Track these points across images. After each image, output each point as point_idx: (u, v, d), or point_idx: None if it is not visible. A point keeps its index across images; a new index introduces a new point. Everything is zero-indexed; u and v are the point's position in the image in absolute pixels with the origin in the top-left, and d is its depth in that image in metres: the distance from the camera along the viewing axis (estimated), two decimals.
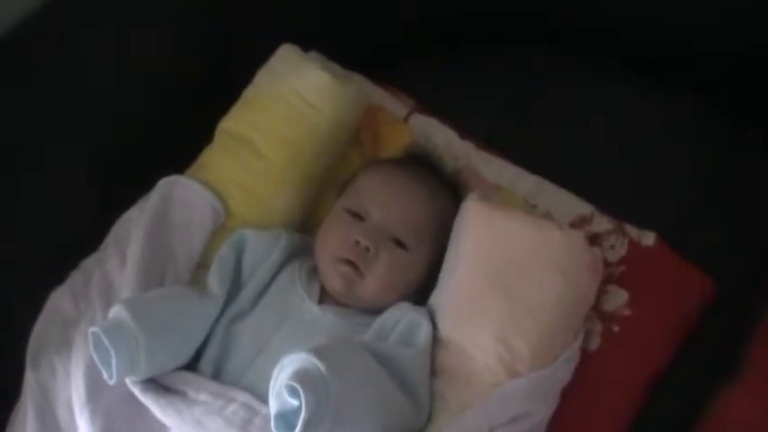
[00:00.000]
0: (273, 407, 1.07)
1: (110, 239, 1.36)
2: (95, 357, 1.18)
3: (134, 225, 1.34)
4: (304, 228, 1.42)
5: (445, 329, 1.26)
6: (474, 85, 1.61)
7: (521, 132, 1.54)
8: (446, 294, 1.28)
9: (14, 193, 1.38)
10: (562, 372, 1.24)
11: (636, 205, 1.43)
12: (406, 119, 1.50)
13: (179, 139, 1.42)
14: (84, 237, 1.38)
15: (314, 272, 1.34)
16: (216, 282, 1.29)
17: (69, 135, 1.41)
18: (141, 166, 1.39)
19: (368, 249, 1.27)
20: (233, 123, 1.40)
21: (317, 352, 1.06)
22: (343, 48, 1.51)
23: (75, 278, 1.34)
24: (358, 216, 1.31)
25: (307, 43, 1.46)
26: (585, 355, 1.27)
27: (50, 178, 1.40)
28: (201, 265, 1.34)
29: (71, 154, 1.41)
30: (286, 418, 1.06)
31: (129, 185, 1.39)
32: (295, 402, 1.04)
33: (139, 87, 1.46)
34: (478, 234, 1.27)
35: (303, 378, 1.03)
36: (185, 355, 1.25)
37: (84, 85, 1.42)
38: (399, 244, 1.29)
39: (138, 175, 1.39)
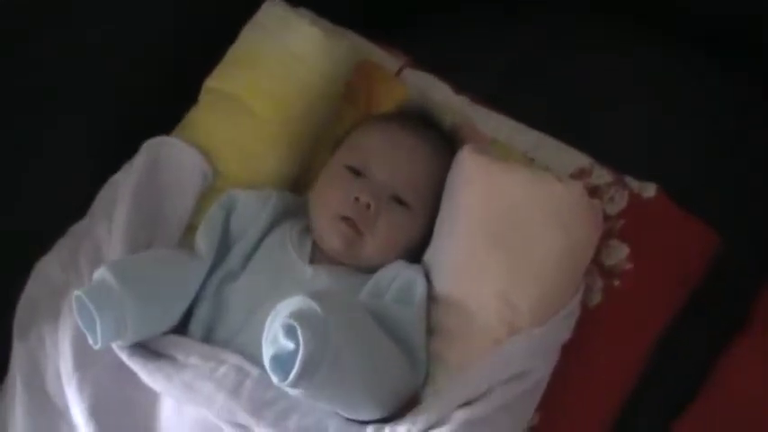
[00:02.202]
0: (268, 351, 1.02)
1: (96, 205, 1.32)
2: (80, 322, 1.14)
3: (120, 188, 1.30)
4: (296, 187, 1.39)
5: (443, 287, 1.22)
6: (477, 48, 1.57)
7: (524, 95, 1.49)
8: (443, 251, 1.24)
9: (14, 180, 1.34)
10: (562, 328, 1.20)
11: (649, 163, 1.38)
12: (398, 73, 1.45)
13: (179, 107, 1.39)
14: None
15: (306, 232, 1.30)
16: (204, 242, 1.26)
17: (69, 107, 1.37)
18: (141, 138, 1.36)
19: (368, 207, 1.23)
20: (219, 82, 1.36)
21: (314, 295, 1.02)
22: (341, 7, 1.47)
23: (62, 246, 1.30)
24: (357, 172, 1.26)
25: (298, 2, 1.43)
26: (586, 311, 1.23)
27: (50, 158, 1.36)
28: (192, 228, 1.31)
29: (70, 130, 1.37)
30: (283, 363, 1.01)
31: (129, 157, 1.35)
32: (291, 345, 1.00)
33: (137, 57, 1.41)
34: (476, 188, 1.23)
35: (300, 317, 0.99)
36: (173, 317, 1.21)
37: (83, 59, 1.37)
38: (399, 202, 1.25)
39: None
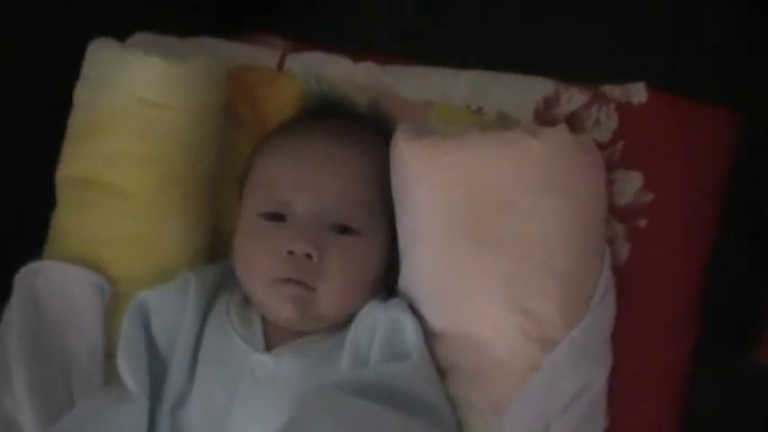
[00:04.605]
0: None
1: None
2: None
3: (7, 344, 1.03)
4: (214, 253, 1.11)
5: (436, 317, 0.97)
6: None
7: (440, 31, 1.25)
8: (419, 271, 0.98)
9: None
10: (604, 311, 0.95)
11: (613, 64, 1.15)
12: (280, 65, 1.16)
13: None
14: None
15: (247, 306, 1.03)
16: (129, 374, 0.99)
17: None
18: None
19: (310, 257, 0.96)
20: (71, 167, 1.07)
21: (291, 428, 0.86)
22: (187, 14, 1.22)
23: None
24: (278, 216, 0.99)
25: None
26: (619, 272, 0.97)
27: None
28: (113, 354, 1.04)
29: None
30: None
31: None
32: None
33: None
34: (429, 183, 0.97)
35: None
36: None
37: None
38: (344, 230, 0.99)
39: None
